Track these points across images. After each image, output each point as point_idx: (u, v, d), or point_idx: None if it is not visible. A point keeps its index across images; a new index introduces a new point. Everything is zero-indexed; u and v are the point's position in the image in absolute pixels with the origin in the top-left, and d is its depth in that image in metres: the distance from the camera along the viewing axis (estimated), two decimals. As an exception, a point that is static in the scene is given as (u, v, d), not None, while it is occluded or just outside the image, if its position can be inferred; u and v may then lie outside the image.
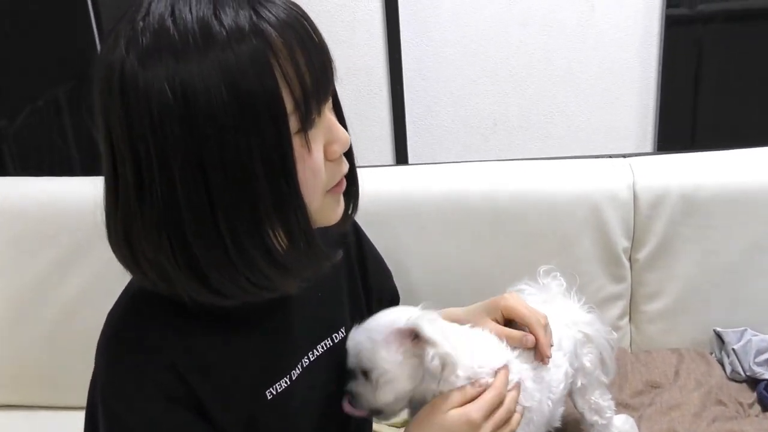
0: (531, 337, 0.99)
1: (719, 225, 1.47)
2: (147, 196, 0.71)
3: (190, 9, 0.69)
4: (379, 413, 0.96)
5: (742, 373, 1.40)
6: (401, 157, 2.49)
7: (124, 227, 0.75)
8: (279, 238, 0.76)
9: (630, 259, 1.53)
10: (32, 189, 1.58)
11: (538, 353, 1.01)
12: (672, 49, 2.31)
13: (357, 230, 1.13)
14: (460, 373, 0.92)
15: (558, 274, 1.20)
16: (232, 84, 0.68)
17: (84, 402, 1.47)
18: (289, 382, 0.92)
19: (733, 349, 1.42)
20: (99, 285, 1.50)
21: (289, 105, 0.71)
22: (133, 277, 0.81)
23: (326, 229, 0.86)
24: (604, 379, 1.17)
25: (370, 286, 1.15)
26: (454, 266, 1.51)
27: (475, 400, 0.91)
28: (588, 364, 1.12)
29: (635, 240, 1.51)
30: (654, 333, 1.55)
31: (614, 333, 1.21)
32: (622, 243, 1.50)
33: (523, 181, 1.52)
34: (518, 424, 0.96)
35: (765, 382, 1.36)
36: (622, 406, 1.36)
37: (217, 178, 0.70)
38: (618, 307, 1.54)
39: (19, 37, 2.64)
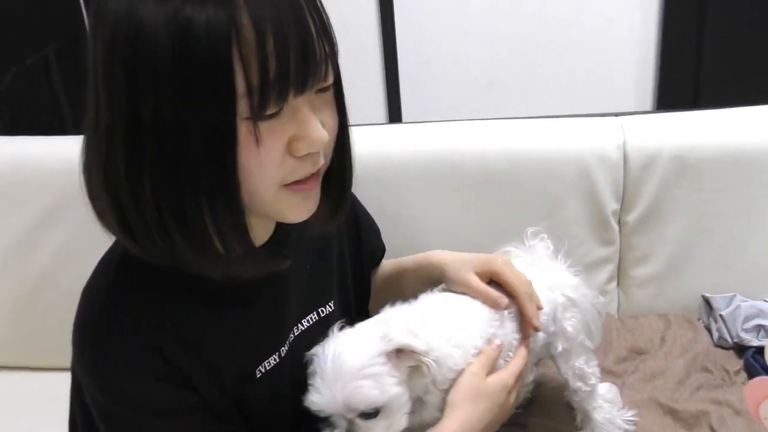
0: (504, 301, 0.97)
1: (712, 187, 1.42)
2: (97, 134, 0.69)
3: None
4: None
5: (729, 339, 1.36)
6: (394, 115, 2.43)
7: (88, 166, 0.73)
8: (207, 222, 0.71)
9: (619, 222, 1.48)
10: (5, 149, 1.54)
11: (524, 324, 0.99)
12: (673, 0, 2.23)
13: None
14: (451, 366, 0.90)
15: (545, 236, 1.17)
16: (182, 43, 0.63)
17: (59, 363, 1.46)
18: (278, 359, 0.90)
19: (721, 315, 1.38)
20: (76, 246, 1.48)
21: (240, 87, 0.65)
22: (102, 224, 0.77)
23: (306, 225, 0.82)
24: (589, 345, 1.13)
25: (363, 245, 1.13)
26: (440, 227, 1.47)
27: (508, 368, 0.94)
28: (570, 329, 1.09)
29: (625, 202, 1.46)
30: (642, 298, 1.50)
31: (601, 298, 1.18)
32: (611, 205, 1.45)
33: (511, 140, 1.47)
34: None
35: (752, 349, 1.32)
36: (605, 373, 1.32)
37: (149, 137, 0.66)
38: (606, 271, 1.50)
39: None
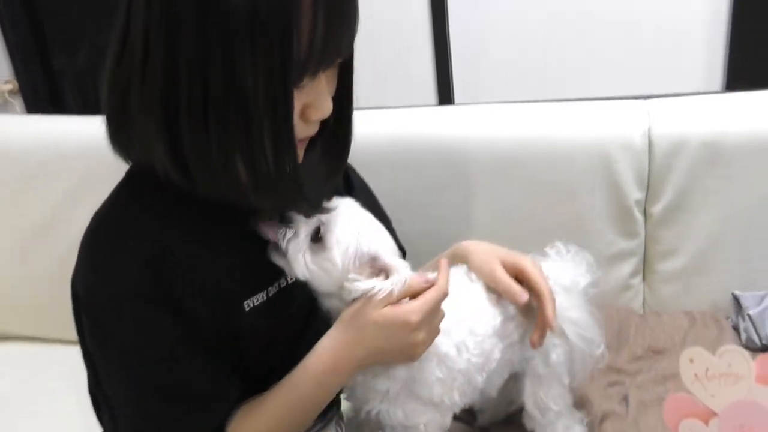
0: (525, 297, 0.95)
1: (745, 176, 1.32)
2: (149, 67, 0.73)
3: None
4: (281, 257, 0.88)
5: (757, 341, 1.26)
6: (444, 97, 2.38)
7: (122, 92, 0.76)
8: (264, 154, 0.75)
9: (644, 213, 1.39)
10: (38, 128, 1.62)
11: (537, 329, 0.96)
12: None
13: (347, 176, 1.10)
14: None
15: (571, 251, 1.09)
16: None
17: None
18: (265, 298, 0.91)
19: (749, 315, 1.28)
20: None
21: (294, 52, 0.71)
22: (115, 147, 0.82)
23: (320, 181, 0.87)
24: (565, 380, 1.05)
25: None
26: (450, 217, 1.43)
27: (412, 303, 0.84)
28: (553, 357, 1.02)
29: (650, 192, 1.37)
30: (669, 294, 1.42)
31: (603, 347, 1.06)
32: (635, 195, 1.37)
33: (526, 126, 1.41)
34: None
35: (780, 353, 1.22)
36: (614, 371, 1.26)
37: (217, 75, 0.70)
38: (630, 265, 1.42)
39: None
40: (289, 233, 0.85)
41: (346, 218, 0.87)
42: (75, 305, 0.88)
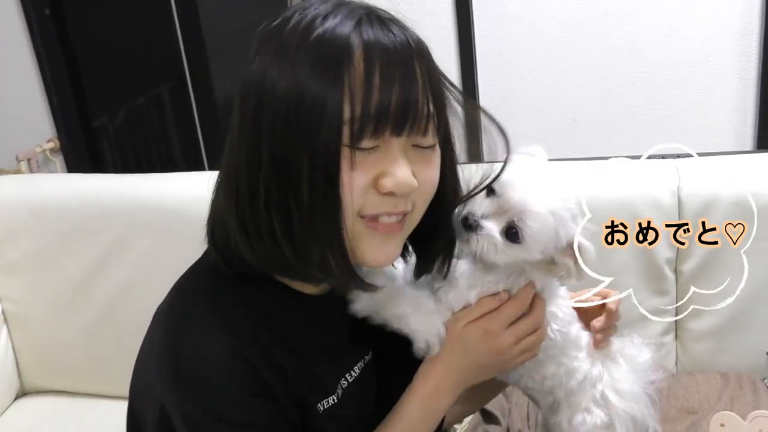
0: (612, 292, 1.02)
1: (777, 235, 1.31)
2: (228, 167, 0.80)
3: (325, 18, 0.74)
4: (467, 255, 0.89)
5: (794, 404, 1.24)
6: (474, 154, 2.40)
7: (218, 194, 0.83)
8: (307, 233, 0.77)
9: (675, 271, 1.39)
10: (78, 185, 1.67)
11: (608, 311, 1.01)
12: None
13: None
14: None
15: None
16: (298, 79, 0.73)
17: (123, 392, 1.54)
18: (336, 400, 0.91)
19: (785, 377, 1.26)
20: (139, 278, 1.56)
21: (346, 113, 0.73)
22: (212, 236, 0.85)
23: None
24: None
25: None
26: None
27: (495, 312, 0.89)
28: (579, 418, 0.98)
29: (680, 250, 1.37)
30: (702, 353, 1.40)
31: (658, 429, 1.01)
32: (665, 253, 1.37)
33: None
34: (544, 334, 0.93)
35: (817, 417, 1.19)
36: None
37: (267, 165, 0.75)
38: (661, 323, 1.41)
39: (118, 39, 2.81)
40: (482, 240, 0.85)
41: (540, 207, 0.86)
42: (150, 409, 0.87)
